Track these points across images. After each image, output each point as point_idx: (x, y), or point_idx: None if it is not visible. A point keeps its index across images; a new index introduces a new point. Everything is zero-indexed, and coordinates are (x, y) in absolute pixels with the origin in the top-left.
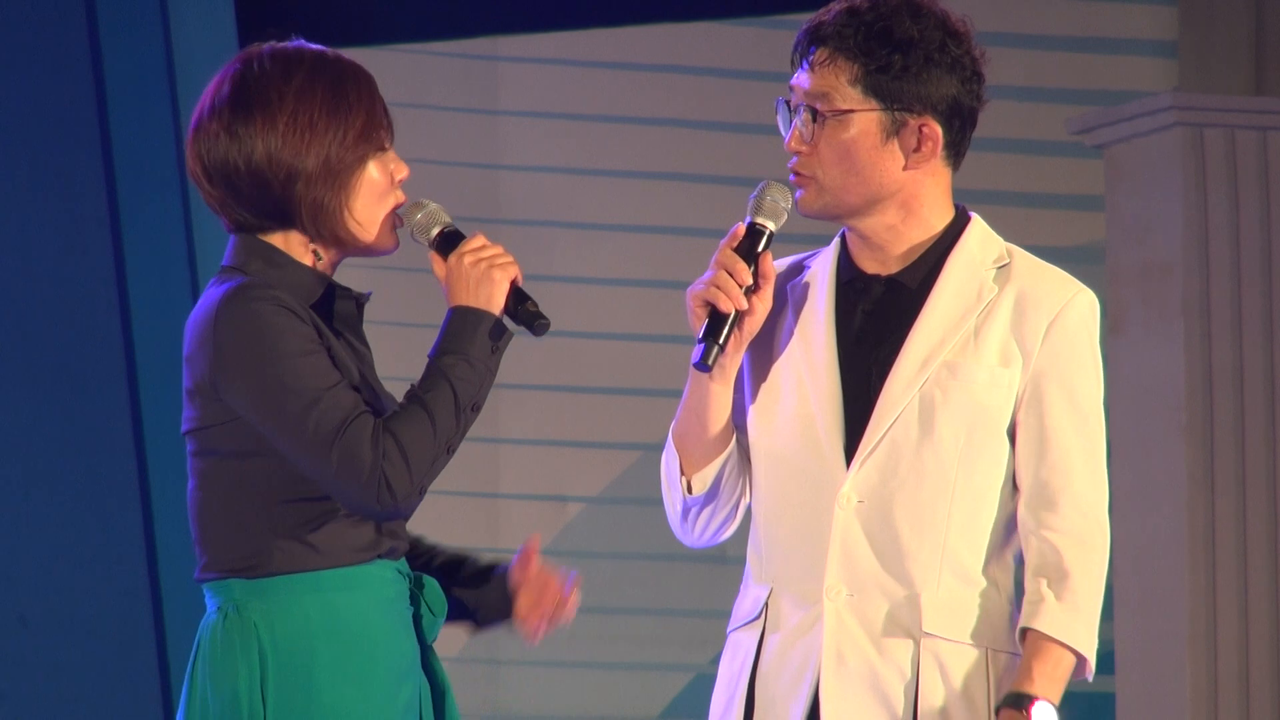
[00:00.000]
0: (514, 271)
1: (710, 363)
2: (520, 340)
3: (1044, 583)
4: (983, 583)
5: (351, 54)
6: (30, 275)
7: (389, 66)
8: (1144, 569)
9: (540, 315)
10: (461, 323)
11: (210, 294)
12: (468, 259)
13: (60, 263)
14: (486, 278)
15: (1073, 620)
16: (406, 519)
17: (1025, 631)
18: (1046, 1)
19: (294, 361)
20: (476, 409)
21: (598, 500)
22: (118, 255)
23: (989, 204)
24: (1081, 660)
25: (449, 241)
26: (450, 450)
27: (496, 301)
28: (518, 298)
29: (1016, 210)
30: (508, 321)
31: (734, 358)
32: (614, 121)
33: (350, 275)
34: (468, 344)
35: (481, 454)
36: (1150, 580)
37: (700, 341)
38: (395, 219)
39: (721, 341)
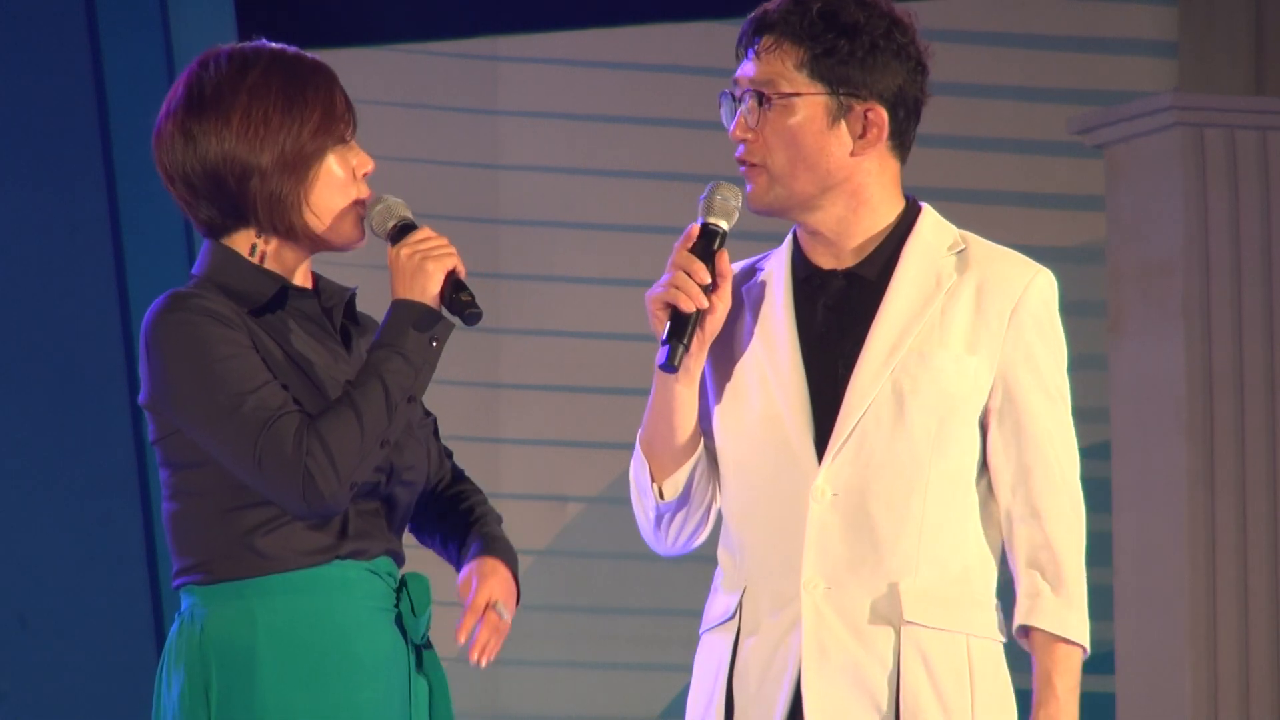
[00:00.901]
0: (451, 262)
1: (676, 363)
2: (520, 340)
3: (1038, 576)
4: (960, 568)
5: (352, 54)
6: (30, 275)
7: (389, 66)
8: (1144, 569)
9: (472, 305)
10: (396, 316)
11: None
12: (404, 251)
13: (60, 263)
14: (420, 270)
15: (1068, 613)
16: (337, 515)
17: (1028, 628)
18: (1046, 1)
19: (219, 365)
20: (412, 400)
21: (598, 500)
22: (118, 255)
23: (989, 204)
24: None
25: (400, 235)
26: (384, 444)
27: (431, 292)
28: (454, 287)
29: (1016, 210)
30: (445, 312)
31: (698, 358)
32: (614, 121)
33: (340, 274)
34: (400, 337)
35: (481, 454)
36: (1150, 580)
37: (664, 343)
38: (360, 211)
39: (686, 341)
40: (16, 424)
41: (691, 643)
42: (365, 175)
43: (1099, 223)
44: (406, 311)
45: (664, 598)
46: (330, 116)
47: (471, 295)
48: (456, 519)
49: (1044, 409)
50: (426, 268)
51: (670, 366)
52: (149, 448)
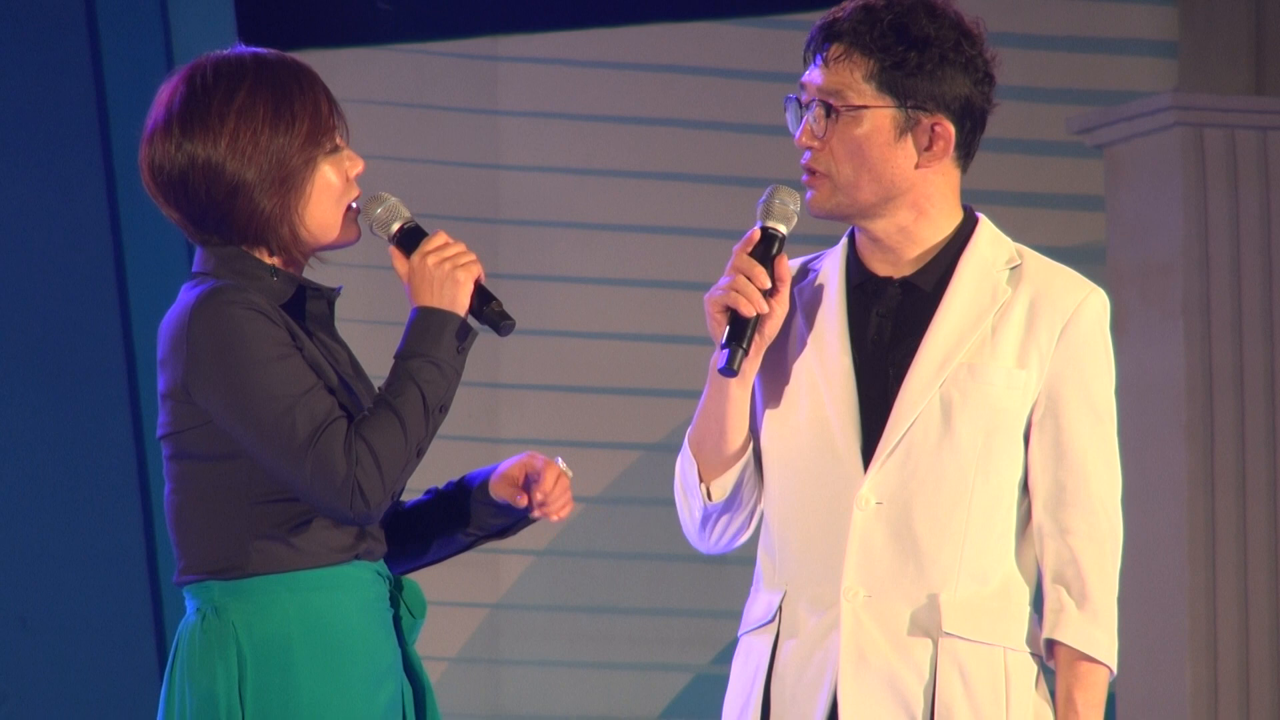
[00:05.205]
0: (477, 271)
1: (736, 367)
2: (520, 340)
3: (1063, 591)
4: (1000, 582)
5: (352, 54)
6: (30, 275)
7: (389, 66)
8: (1144, 569)
9: (505, 315)
10: (426, 324)
11: (183, 298)
12: (431, 259)
13: (60, 263)
14: (450, 279)
15: (1094, 630)
16: (379, 523)
17: (1051, 643)
18: (1046, 1)
19: (268, 367)
20: (444, 410)
21: (598, 500)
22: (118, 255)
23: (989, 204)
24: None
25: (410, 238)
26: (420, 453)
27: (461, 302)
28: (482, 297)
29: (1016, 210)
30: (472, 321)
31: (754, 361)
32: (614, 121)
33: (315, 271)
34: (433, 346)
35: (481, 454)
36: (1150, 580)
37: (724, 347)
38: (353, 211)
39: (745, 345)
40: (16, 424)
41: (691, 642)
42: (356, 176)
43: (1099, 223)
44: (440, 321)
45: (664, 598)
46: (318, 128)
47: (502, 304)
48: (448, 496)
49: (1085, 427)
50: (457, 277)
51: (730, 371)
52: (149, 448)
